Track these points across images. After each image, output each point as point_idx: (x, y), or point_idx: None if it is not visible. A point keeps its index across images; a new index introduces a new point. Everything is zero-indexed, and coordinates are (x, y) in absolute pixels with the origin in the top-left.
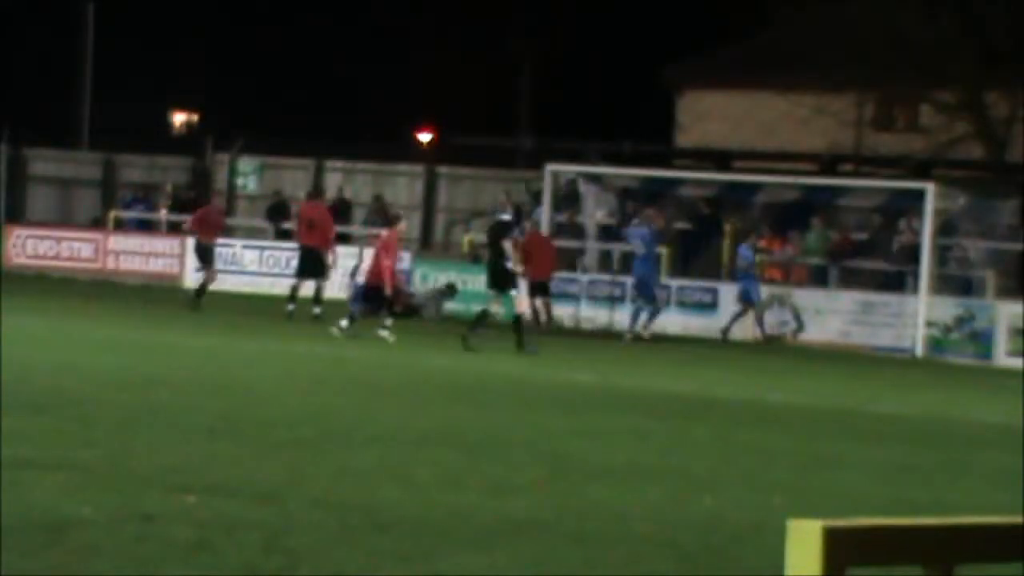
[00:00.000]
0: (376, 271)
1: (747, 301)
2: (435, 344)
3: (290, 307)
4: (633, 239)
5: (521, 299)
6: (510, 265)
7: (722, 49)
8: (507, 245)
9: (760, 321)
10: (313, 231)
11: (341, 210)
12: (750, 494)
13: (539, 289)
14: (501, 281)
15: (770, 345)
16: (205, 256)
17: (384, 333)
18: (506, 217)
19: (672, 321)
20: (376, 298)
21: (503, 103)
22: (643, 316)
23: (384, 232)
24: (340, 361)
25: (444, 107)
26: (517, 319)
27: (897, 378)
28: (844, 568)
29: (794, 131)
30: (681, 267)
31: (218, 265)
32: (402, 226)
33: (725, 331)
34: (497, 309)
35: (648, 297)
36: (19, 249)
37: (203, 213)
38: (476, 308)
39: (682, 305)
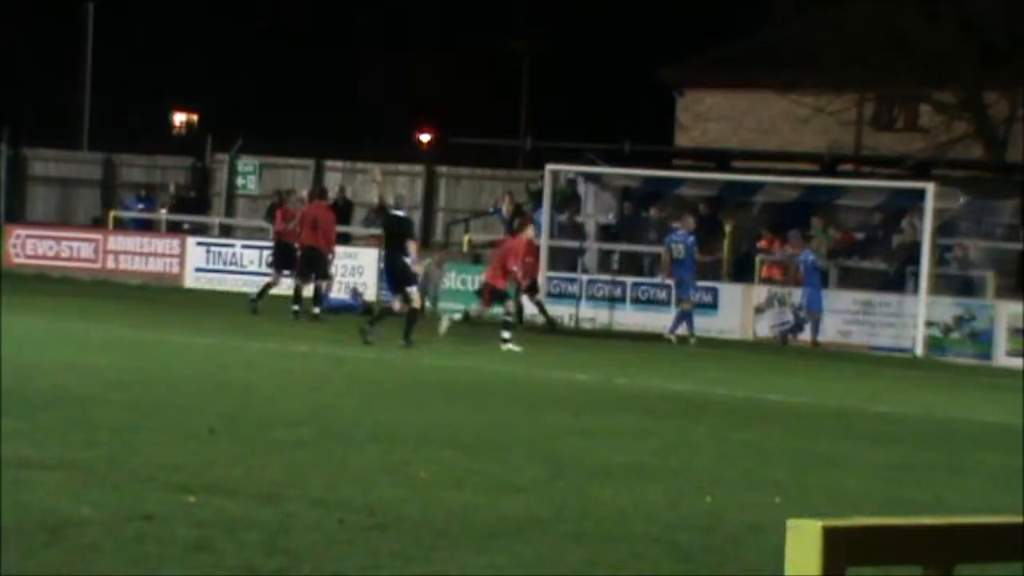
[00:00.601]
0: (500, 274)
1: (814, 308)
2: (435, 344)
3: (295, 307)
4: (676, 242)
5: (415, 295)
6: (410, 261)
7: (722, 49)
8: (411, 245)
9: (802, 327)
10: (316, 231)
11: (344, 210)
12: (750, 494)
13: (528, 287)
14: (400, 278)
15: (782, 345)
16: (287, 259)
17: (508, 346)
18: (401, 213)
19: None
20: (498, 300)
21: (503, 103)
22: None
23: (511, 238)
24: (340, 361)
25: (444, 107)
26: (413, 312)
27: (897, 378)
28: (844, 568)
29: (794, 131)
30: None
31: (218, 265)
32: (530, 232)
33: (815, 342)
34: (400, 307)
35: (688, 295)
36: (19, 249)
37: (284, 213)
38: (475, 307)
39: None
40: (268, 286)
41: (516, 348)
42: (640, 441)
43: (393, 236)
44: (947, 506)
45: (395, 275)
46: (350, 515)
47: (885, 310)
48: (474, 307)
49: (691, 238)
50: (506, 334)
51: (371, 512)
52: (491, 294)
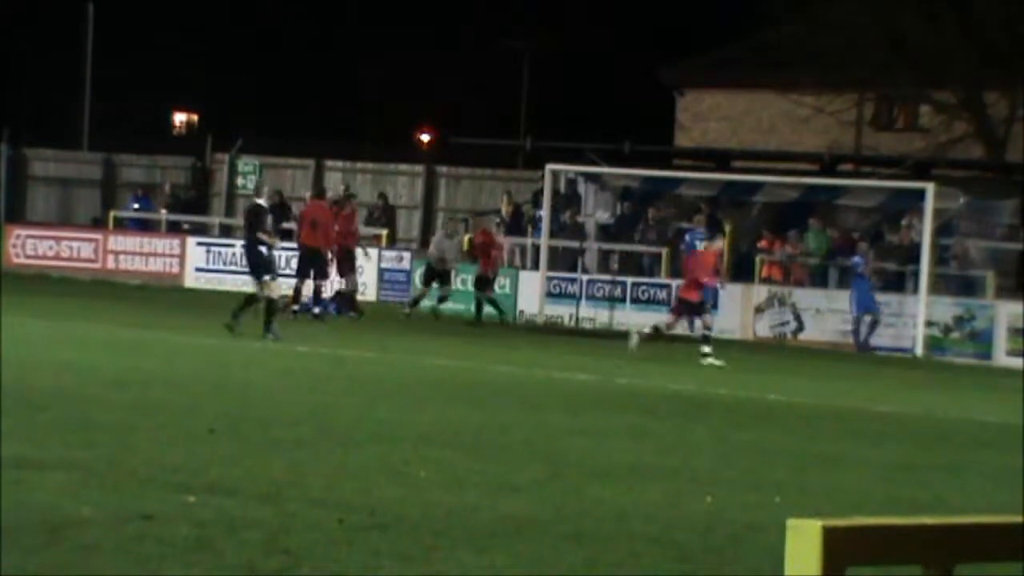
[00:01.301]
0: (692, 287)
1: (865, 310)
2: (434, 343)
3: (295, 307)
4: (700, 241)
5: (274, 285)
6: (265, 250)
7: (722, 49)
8: (264, 236)
9: (859, 331)
10: (316, 231)
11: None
12: (750, 493)
13: (485, 283)
14: (256, 266)
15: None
16: (350, 261)
17: (709, 360)
18: (261, 202)
19: None
20: (693, 310)
21: (503, 103)
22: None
23: (702, 246)
24: (340, 361)
25: (444, 107)
26: (270, 303)
27: (897, 378)
28: (844, 568)
29: (794, 131)
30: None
31: (218, 265)
32: (719, 243)
33: (863, 345)
34: (271, 294)
35: (708, 297)
36: (19, 249)
37: (344, 220)
38: (473, 308)
39: None
40: (353, 293)
41: (718, 363)
42: (640, 441)
43: (251, 223)
44: (947, 506)
45: (251, 262)
46: (350, 515)
47: (885, 310)
48: (663, 320)
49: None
50: (706, 348)
51: (371, 512)
52: (682, 307)
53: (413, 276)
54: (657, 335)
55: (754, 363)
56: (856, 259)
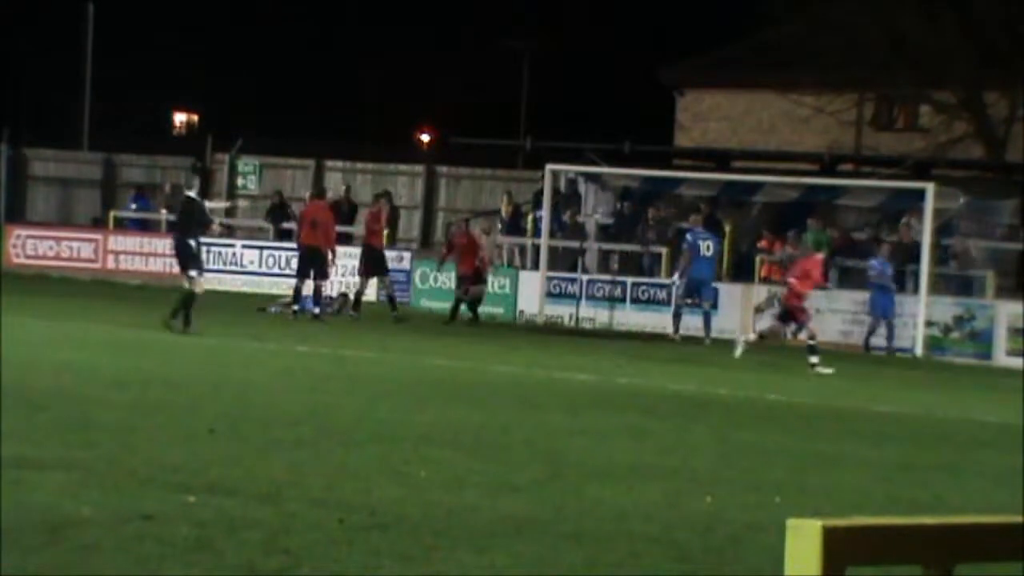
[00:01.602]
0: (795, 294)
1: (881, 315)
2: (434, 343)
3: (295, 307)
4: (704, 239)
5: (200, 281)
6: (194, 245)
7: (722, 49)
8: (206, 228)
9: (879, 333)
10: (316, 231)
11: (349, 210)
12: (749, 493)
13: (464, 280)
14: (186, 260)
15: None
16: (378, 262)
17: (819, 369)
18: (192, 194)
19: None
20: (790, 319)
21: (503, 103)
22: (690, 319)
23: (805, 260)
24: (340, 361)
25: (444, 107)
26: (190, 296)
27: (897, 378)
28: (844, 568)
29: (794, 131)
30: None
31: (218, 265)
32: (818, 257)
33: (890, 347)
34: (195, 289)
35: (708, 296)
36: (19, 249)
37: (370, 217)
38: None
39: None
40: (359, 294)
41: (826, 370)
42: (640, 441)
43: (183, 217)
44: (947, 506)
45: (182, 257)
46: (350, 515)
47: None
48: (771, 327)
49: (718, 238)
50: (813, 358)
51: (371, 512)
52: (792, 314)
53: (413, 276)
54: (761, 340)
55: (754, 363)
56: (873, 262)
